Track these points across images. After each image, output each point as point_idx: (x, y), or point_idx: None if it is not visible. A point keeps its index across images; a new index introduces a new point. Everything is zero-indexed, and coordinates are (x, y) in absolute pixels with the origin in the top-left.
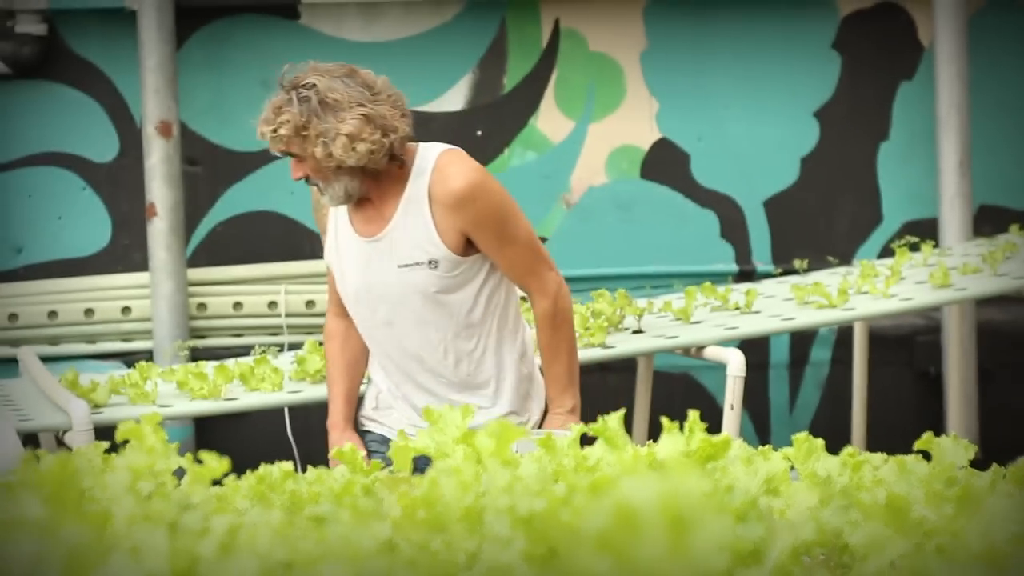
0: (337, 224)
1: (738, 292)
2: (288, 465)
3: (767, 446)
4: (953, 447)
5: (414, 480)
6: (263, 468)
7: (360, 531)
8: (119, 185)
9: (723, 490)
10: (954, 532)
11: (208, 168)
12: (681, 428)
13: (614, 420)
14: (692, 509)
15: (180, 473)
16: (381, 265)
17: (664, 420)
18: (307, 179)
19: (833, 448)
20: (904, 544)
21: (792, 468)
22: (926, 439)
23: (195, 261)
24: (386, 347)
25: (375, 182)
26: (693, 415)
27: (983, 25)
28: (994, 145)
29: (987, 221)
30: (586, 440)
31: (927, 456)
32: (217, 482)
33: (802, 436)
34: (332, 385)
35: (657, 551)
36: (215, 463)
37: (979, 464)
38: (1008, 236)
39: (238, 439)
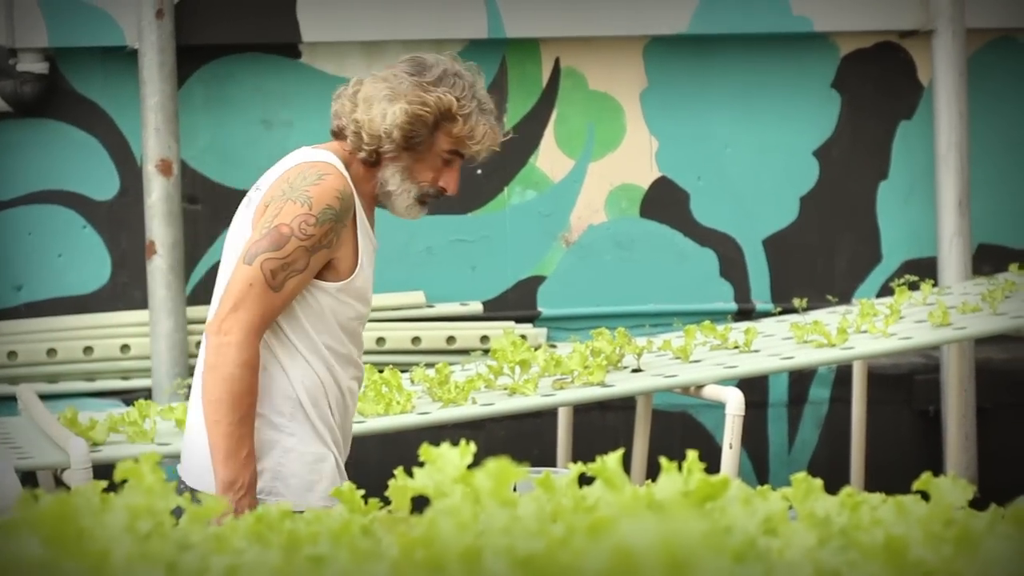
0: (365, 230)
1: (737, 331)
2: (287, 504)
3: (766, 485)
4: (951, 487)
5: (413, 520)
6: (261, 507)
7: (358, 571)
8: (119, 223)
9: (721, 531)
10: (952, 573)
11: (208, 206)
12: (679, 467)
13: (612, 460)
14: (690, 550)
15: (179, 512)
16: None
17: (663, 460)
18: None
19: (833, 487)
20: None
21: (791, 508)
22: (924, 479)
23: (195, 299)
24: (355, 374)
25: None
26: (691, 455)
27: (982, 64)
28: (993, 184)
29: (986, 260)
30: (585, 480)
31: (926, 496)
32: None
33: (801, 476)
34: (250, 428)
35: None
36: (213, 503)
37: (978, 504)
38: (1007, 275)
39: None
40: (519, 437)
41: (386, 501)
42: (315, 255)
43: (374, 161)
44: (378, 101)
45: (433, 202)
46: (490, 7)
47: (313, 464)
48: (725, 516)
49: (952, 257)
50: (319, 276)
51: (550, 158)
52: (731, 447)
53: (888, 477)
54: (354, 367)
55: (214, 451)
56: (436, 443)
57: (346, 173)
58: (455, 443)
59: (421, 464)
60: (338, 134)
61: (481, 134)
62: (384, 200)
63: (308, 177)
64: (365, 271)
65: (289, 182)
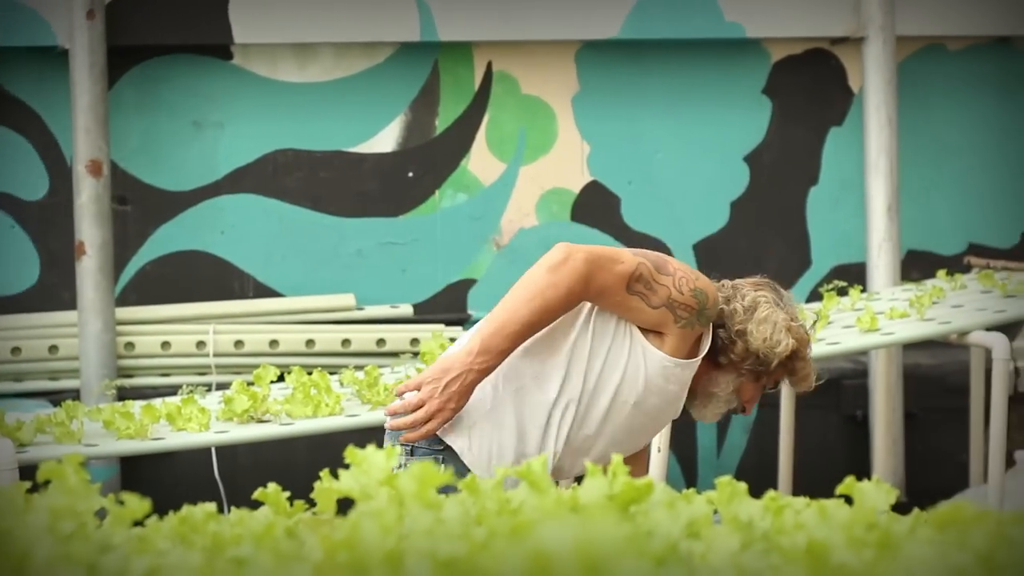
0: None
1: None
2: (212, 506)
3: (691, 489)
4: (875, 491)
5: (337, 522)
6: (185, 509)
7: (280, 573)
8: (48, 223)
9: (643, 534)
10: None
11: (138, 207)
12: (605, 471)
13: (538, 463)
14: (608, 553)
15: (102, 514)
16: (660, 416)
17: (588, 464)
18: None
19: (761, 490)
20: None
21: (715, 512)
22: (848, 483)
23: (124, 300)
24: (590, 448)
25: None
26: (617, 458)
27: (912, 71)
28: (922, 191)
29: (914, 266)
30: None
31: (850, 500)
32: (139, 523)
33: (725, 480)
34: (523, 333)
35: None
36: (136, 504)
37: (905, 508)
38: (935, 281)
39: (165, 479)
40: None
41: (313, 503)
42: (665, 310)
43: (719, 366)
44: (773, 327)
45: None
46: (422, 10)
47: (500, 457)
48: (648, 520)
49: (881, 263)
50: (648, 338)
51: (481, 161)
52: (660, 451)
53: (816, 481)
54: (599, 440)
55: (497, 324)
56: (365, 446)
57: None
58: (384, 446)
59: (348, 466)
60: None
61: (807, 375)
62: (700, 396)
63: (700, 275)
64: (688, 370)
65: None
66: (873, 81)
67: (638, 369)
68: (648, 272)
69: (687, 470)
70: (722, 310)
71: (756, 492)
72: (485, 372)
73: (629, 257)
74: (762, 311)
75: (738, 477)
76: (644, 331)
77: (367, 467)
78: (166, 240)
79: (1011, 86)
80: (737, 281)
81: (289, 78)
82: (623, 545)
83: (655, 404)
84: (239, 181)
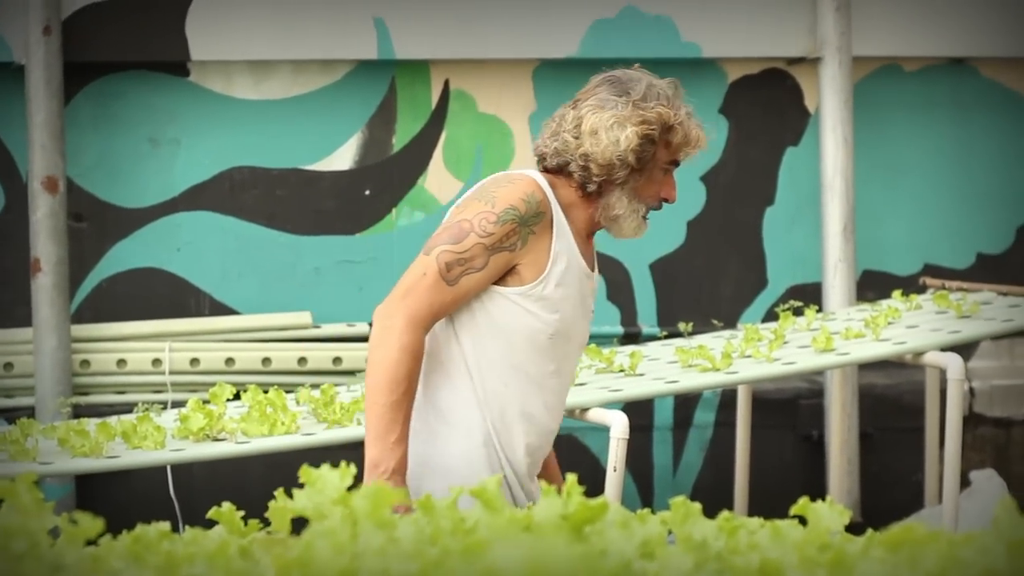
0: (569, 248)
1: (623, 354)
2: (166, 525)
3: (646, 509)
4: (829, 512)
5: (291, 541)
6: (139, 528)
7: None
8: (3, 240)
9: (596, 554)
10: None
11: (94, 224)
12: (559, 491)
13: (492, 483)
14: (560, 573)
15: (56, 533)
16: (586, 305)
17: (542, 483)
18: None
19: (716, 510)
20: None
21: (670, 532)
22: (802, 504)
23: (79, 317)
24: (547, 399)
25: None
26: (571, 478)
27: (868, 92)
28: (878, 211)
29: (870, 286)
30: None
31: (804, 520)
32: (92, 542)
33: (680, 500)
34: (404, 414)
35: None
36: (89, 523)
37: (860, 527)
38: (891, 301)
39: (120, 497)
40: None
41: (268, 522)
42: (495, 255)
43: (598, 190)
44: (605, 130)
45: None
46: (380, 28)
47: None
48: (602, 539)
49: (837, 283)
50: (502, 282)
51: (439, 180)
52: (615, 470)
53: (771, 501)
54: (546, 391)
55: (366, 430)
56: (320, 465)
57: (546, 186)
58: (339, 465)
59: (303, 485)
60: (557, 171)
61: (695, 137)
62: (609, 225)
63: (499, 182)
64: (553, 282)
65: (481, 187)
66: (829, 101)
67: (522, 318)
68: (451, 253)
69: (643, 489)
70: (556, 148)
71: (712, 511)
72: (398, 470)
73: (427, 260)
74: (586, 124)
75: (694, 496)
76: (503, 278)
77: (321, 486)
78: (122, 257)
79: (967, 107)
80: (572, 102)
81: (246, 95)
82: (576, 565)
83: (567, 312)
84: (195, 198)
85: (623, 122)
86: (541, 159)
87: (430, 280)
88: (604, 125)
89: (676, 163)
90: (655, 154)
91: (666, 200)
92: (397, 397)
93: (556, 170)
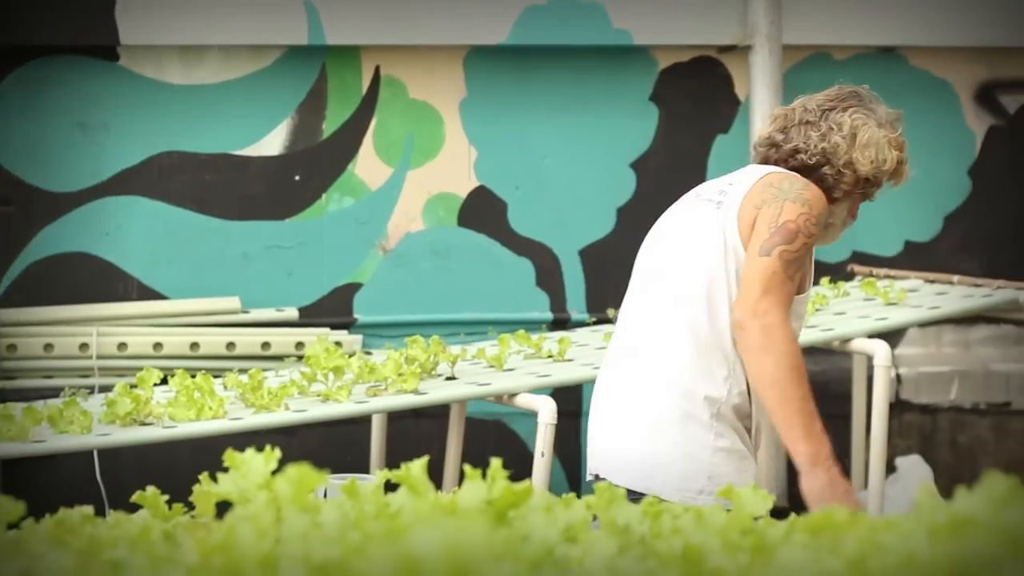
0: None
1: (551, 340)
2: (89, 509)
3: (571, 494)
4: (752, 497)
5: (214, 526)
6: (62, 512)
7: None
8: None
9: (518, 539)
10: None
11: (22, 208)
12: (484, 475)
13: (417, 467)
14: (479, 557)
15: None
16: None
17: (467, 468)
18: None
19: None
20: None
21: (595, 517)
22: (726, 488)
23: (6, 302)
24: None
25: None
26: (496, 463)
27: (798, 80)
28: None
29: None
30: (393, 486)
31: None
32: (14, 525)
33: (604, 484)
34: (813, 400)
35: None
36: (11, 506)
37: (786, 513)
38: (818, 288)
39: (46, 482)
40: (332, 444)
41: (193, 507)
42: (808, 256)
43: (837, 196)
44: (877, 146)
45: None
46: (310, 13)
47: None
48: (525, 524)
49: None
50: None
51: (368, 165)
52: (543, 455)
53: None
54: None
55: (789, 429)
56: (245, 449)
57: None
58: (265, 450)
59: (228, 470)
60: (804, 169)
61: (907, 173)
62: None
63: (794, 183)
64: (809, 292)
65: (775, 186)
66: (759, 89)
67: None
68: (789, 252)
69: (571, 475)
70: (823, 149)
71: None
72: (832, 457)
73: (769, 261)
74: (863, 135)
75: None
76: None
77: (246, 471)
78: (50, 242)
79: (896, 95)
80: (816, 102)
81: (175, 80)
82: (497, 549)
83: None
84: (124, 183)
85: (890, 143)
86: (792, 153)
87: (780, 277)
88: (876, 141)
89: (868, 197)
90: (875, 191)
91: (852, 220)
92: (806, 388)
93: (803, 168)
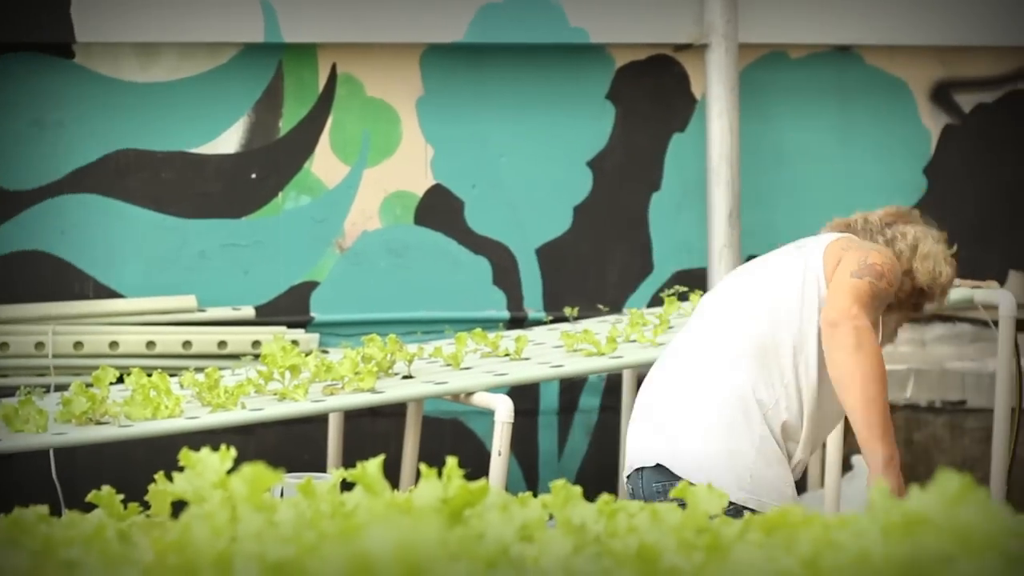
0: None
1: (508, 339)
2: (44, 508)
3: (528, 492)
4: (707, 496)
5: (169, 525)
6: (17, 511)
7: None
8: None
9: (473, 537)
10: None
11: None
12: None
13: (373, 466)
14: (433, 556)
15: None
16: None
17: (423, 467)
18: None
19: (601, 494)
20: None
21: (551, 516)
22: (681, 487)
23: None
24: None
25: None
26: (451, 461)
27: (754, 79)
28: (763, 197)
29: None
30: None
31: (683, 504)
32: None
33: (560, 483)
34: (889, 410)
35: None
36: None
37: (740, 511)
38: None
39: (1, 481)
40: (289, 443)
41: (149, 506)
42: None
43: (891, 304)
44: (936, 260)
45: None
46: (267, 11)
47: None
48: (481, 523)
49: (722, 268)
50: None
51: (325, 164)
52: (500, 454)
53: None
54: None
55: (868, 428)
56: (200, 448)
57: None
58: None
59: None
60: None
61: (948, 296)
62: None
63: (875, 243)
64: None
65: (858, 240)
66: (715, 88)
67: None
68: (875, 286)
69: (528, 474)
70: None
71: (596, 496)
72: (896, 456)
73: (861, 283)
74: (923, 247)
75: (579, 481)
76: None
77: (201, 469)
78: (5, 240)
79: (851, 94)
80: (877, 215)
81: (131, 78)
82: (452, 548)
83: None
84: (80, 181)
85: (947, 259)
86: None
87: (868, 298)
88: (935, 255)
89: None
90: (924, 304)
91: (893, 337)
92: (887, 393)
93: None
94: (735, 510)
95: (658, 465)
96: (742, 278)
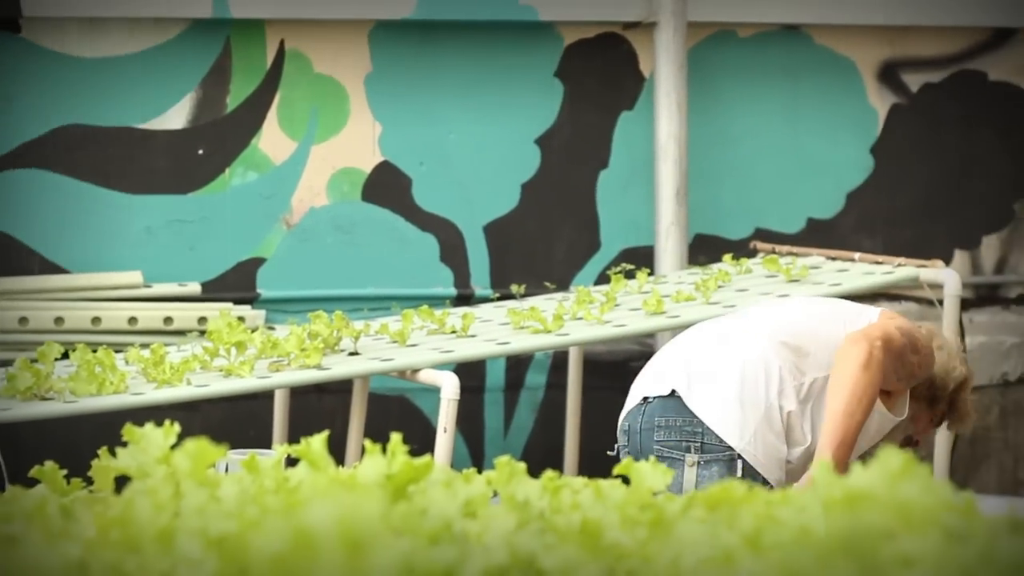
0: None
1: (455, 316)
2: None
3: (472, 469)
4: (651, 472)
5: (112, 500)
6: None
7: (51, 551)
8: None
9: (415, 513)
10: (645, 556)
11: None
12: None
13: (317, 442)
14: (375, 531)
15: None
16: None
17: (367, 442)
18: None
19: (547, 471)
20: (596, 568)
21: (495, 493)
22: (625, 464)
23: None
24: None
25: None
26: (395, 437)
27: (702, 58)
28: (710, 176)
29: (702, 250)
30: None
31: (628, 480)
32: None
33: (504, 459)
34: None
35: (333, 572)
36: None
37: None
38: (721, 265)
39: None
40: (235, 419)
41: (92, 481)
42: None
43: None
44: (950, 353)
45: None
46: None
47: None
48: (424, 498)
49: (669, 246)
50: None
51: (272, 140)
52: (445, 431)
53: (602, 462)
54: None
55: (831, 434)
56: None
57: None
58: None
59: (126, 444)
60: None
61: (969, 417)
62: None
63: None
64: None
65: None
66: (664, 67)
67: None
68: (901, 342)
69: (474, 451)
70: None
71: (542, 472)
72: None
73: (894, 332)
74: (938, 339)
75: (525, 458)
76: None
77: (145, 445)
78: None
79: (799, 73)
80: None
81: (78, 52)
82: (395, 523)
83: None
84: (26, 156)
85: (962, 360)
86: None
87: (894, 343)
88: (950, 349)
89: (942, 419)
90: (939, 404)
91: (915, 442)
92: (864, 418)
93: None
94: (730, 458)
95: (671, 394)
96: (807, 299)
